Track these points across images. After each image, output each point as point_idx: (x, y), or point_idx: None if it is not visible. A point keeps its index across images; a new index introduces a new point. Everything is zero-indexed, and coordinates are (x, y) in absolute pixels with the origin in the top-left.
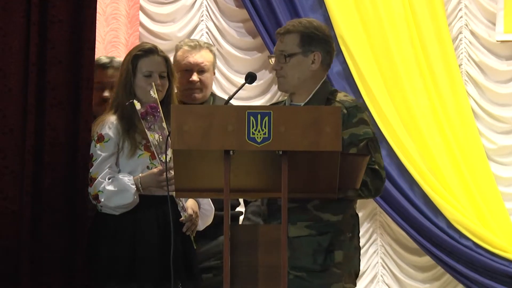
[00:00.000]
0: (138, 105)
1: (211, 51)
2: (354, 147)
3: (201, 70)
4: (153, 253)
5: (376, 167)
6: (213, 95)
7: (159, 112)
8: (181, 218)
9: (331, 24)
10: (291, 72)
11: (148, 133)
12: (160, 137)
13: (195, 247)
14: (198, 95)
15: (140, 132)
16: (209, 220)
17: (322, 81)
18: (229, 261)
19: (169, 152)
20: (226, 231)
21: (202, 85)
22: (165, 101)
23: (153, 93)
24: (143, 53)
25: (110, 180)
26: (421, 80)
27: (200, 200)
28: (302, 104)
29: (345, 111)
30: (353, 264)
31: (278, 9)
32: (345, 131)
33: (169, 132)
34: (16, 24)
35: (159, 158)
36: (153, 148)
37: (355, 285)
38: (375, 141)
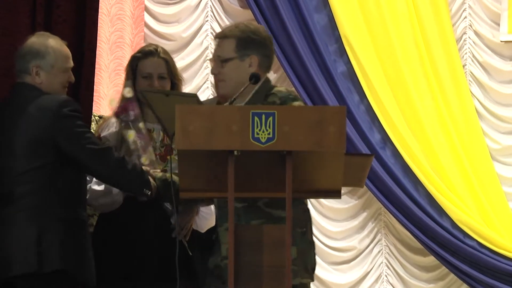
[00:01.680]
0: (113, 102)
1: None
2: None
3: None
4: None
5: None
6: None
7: (133, 111)
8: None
9: (336, 24)
10: (229, 77)
11: (124, 132)
12: (137, 137)
13: (190, 254)
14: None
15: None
16: (210, 223)
17: (261, 82)
18: (233, 262)
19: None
20: (231, 231)
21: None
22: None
23: (127, 93)
24: (142, 55)
25: (96, 181)
26: (425, 80)
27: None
28: (243, 104)
29: (278, 101)
30: (309, 259)
31: (283, 9)
32: None
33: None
34: (21, 25)
35: (137, 157)
36: (131, 147)
37: (313, 280)
38: None
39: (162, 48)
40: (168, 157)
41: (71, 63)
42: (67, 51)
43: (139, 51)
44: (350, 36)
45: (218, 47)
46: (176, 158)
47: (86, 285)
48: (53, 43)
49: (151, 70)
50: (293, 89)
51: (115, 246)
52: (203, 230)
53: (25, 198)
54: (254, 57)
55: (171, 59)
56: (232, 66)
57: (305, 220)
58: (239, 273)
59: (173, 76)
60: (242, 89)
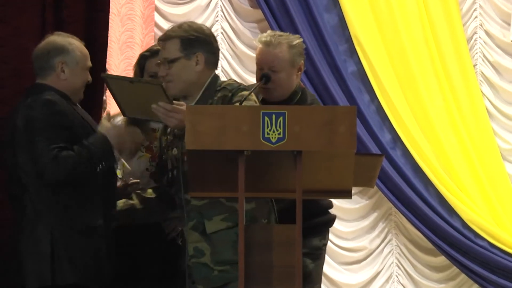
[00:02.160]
0: None
1: (290, 46)
2: None
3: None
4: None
5: None
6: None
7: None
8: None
9: (346, 24)
10: (177, 77)
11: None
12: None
13: (179, 243)
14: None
15: (145, 132)
16: None
17: (209, 79)
18: (243, 261)
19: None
20: (241, 231)
21: (275, 84)
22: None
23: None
24: (150, 54)
25: None
26: (436, 80)
27: None
28: (193, 103)
29: (229, 94)
30: None
31: (293, 9)
32: None
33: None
34: (32, 25)
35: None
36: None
37: None
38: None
39: None
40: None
41: (90, 63)
42: (86, 50)
43: (147, 50)
44: (360, 36)
45: (163, 50)
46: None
47: None
48: (75, 41)
49: (157, 69)
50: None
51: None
52: None
53: (37, 209)
54: (200, 54)
55: None
56: (179, 65)
57: (268, 211)
58: (249, 273)
59: None
60: (252, 89)
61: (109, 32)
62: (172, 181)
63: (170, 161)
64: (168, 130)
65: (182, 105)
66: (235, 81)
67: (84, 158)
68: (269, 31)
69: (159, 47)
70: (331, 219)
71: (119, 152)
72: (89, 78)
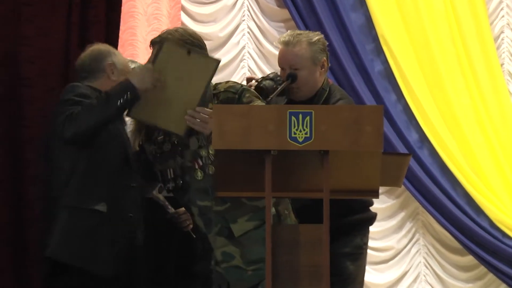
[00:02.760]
0: None
1: (309, 43)
2: None
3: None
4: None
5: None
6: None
7: None
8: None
9: (373, 23)
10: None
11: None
12: None
13: (194, 236)
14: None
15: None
16: None
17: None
18: (270, 261)
19: None
20: (268, 231)
21: (298, 83)
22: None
23: None
24: None
25: None
26: (463, 79)
27: None
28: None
29: (235, 96)
30: None
31: (319, 8)
32: None
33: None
34: (57, 24)
35: None
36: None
37: None
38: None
39: None
40: None
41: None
42: None
43: None
44: (387, 35)
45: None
46: None
47: (99, 277)
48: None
49: None
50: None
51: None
52: None
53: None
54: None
55: None
56: None
57: (287, 202)
58: (276, 273)
59: None
60: (280, 88)
61: (135, 32)
62: (177, 190)
63: (170, 170)
64: (160, 138)
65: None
66: (235, 82)
67: (97, 105)
68: (288, 31)
69: None
70: (372, 217)
71: (142, 89)
72: None
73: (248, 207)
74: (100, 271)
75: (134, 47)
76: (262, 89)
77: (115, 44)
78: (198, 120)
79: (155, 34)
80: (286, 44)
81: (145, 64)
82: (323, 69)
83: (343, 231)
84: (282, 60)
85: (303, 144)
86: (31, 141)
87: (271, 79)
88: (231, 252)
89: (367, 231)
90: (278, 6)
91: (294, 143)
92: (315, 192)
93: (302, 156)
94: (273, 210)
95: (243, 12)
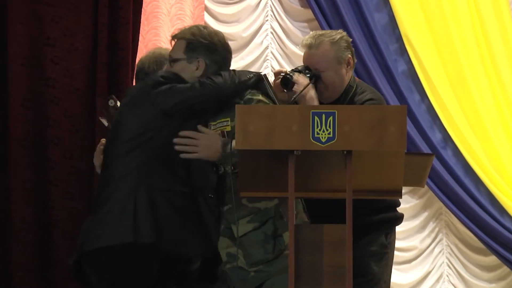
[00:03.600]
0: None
1: (332, 43)
2: None
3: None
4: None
5: None
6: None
7: None
8: None
9: (396, 23)
10: None
11: None
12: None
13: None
14: (325, 94)
15: None
16: None
17: None
18: (293, 261)
19: None
20: (291, 231)
21: (325, 84)
22: None
23: (111, 103)
24: None
25: None
26: (487, 79)
27: None
28: None
29: (241, 101)
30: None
31: (343, 8)
32: None
33: None
34: (83, 25)
35: None
36: None
37: None
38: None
39: None
40: None
41: None
42: None
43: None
44: (410, 35)
45: (170, 47)
46: None
47: (183, 258)
48: None
49: None
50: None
51: None
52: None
53: (124, 178)
54: (202, 61)
55: None
56: (180, 66)
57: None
58: (299, 273)
59: None
60: (302, 89)
61: (158, 32)
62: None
63: None
64: None
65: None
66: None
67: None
68: (310, 33)
69: None
70: (398, 217)
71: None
72: None
73: (248, 208)
74: (196, 251)
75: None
76: (288, 80)
77: (136, 44)
78: (187, 146)
79: None
80: (309, 47)
81: None
82: (349, 67)
83: (368, 230)
84: (307, 63)
85: (326, 144)
86: (55, 141)
87: (300, 71)
88: (235, 253)
89: (393, 231)
90: (302, 6)
91: (317, 143)
92: (338, 192)
93: (325, 156)
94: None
95: (267, 12)
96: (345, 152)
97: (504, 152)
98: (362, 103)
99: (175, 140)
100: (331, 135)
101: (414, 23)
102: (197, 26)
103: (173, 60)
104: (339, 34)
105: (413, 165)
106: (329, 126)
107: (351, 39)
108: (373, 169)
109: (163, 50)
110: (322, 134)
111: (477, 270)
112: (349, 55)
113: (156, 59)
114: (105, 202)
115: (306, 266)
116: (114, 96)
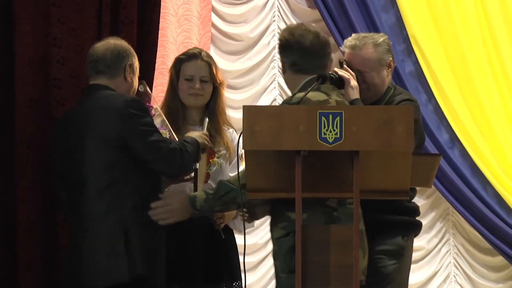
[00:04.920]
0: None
1: (375, 45)
2: None
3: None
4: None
5: None
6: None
7: (153, 109)
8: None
9: (403, 23)
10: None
11: None
12: (168, 134)
13: (223, 237)
14: (367, 95)
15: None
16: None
17: (301, 85)
18: (300, 261)
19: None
20: (298, 231)
21: (368, 84)
22: (210, 105)
23: (141, 88)
24: (186, 57)
25: None
26: (494, 79)
27: None
28: None
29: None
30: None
31: (350, 9)
32: None
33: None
34: (88, 25)
35: None
36: None
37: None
38: None
39: (206, 52)
40: (211, 160)
41: None
42: None
43: (183, 54)
44: (418, 36)
45: None
46: (217, 160)
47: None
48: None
49: (194, 73)
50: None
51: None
52: (241, 231)
53: (103, 207)
54: (283, 60)
55: (214, 63)
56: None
57: (325, 222)
58: (307, 273)
59: (214, 80)
60: (309, 89)
61: (166, 32)
62: None
63: None
64: None
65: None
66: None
67: (192, 155)
68: (353, 34)
69: (195, 51)
70: (416, 224)
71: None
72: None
73: (284, 216)
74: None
75: (165, 47)
76: (336, 79)
77: (153, 45)
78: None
79: (185, 35)
80: (352, 48)
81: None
82: (389, 69)
83: (383, 228)
84: (350, 64)
85: (333, 145)
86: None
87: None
88: (275, 253)
89: (410, 236)
90: (309, 6)
91: (324, 143)
92: (345, 193)
93: (333, 156)
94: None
95: (274, 13)
96: (352, 153)
97: (511, 152)
98: (399, 102)
99: (150, 213)
100: (338, 136)
101: (421, 24)
102: (290, 26)
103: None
104: (381, 37)
105: (420, 166)
106: (336, 127)
107: (391, 43)
108: (380, 169)
109: (123, 43)
110: (329, 135)
111: (484, 271)
112: (390, 58)
113: (117, 52)
114: (89, 235)
115: (313, 266)
116: (144, 82)
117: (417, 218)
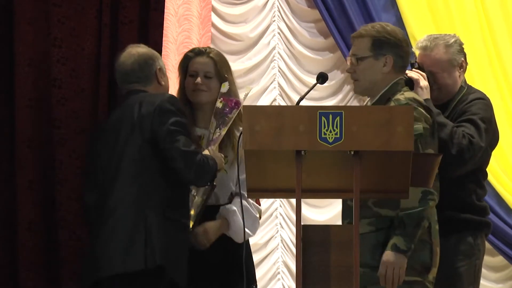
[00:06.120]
0: (225, 87)
1: (446, 46)
2: None
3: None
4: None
5: None
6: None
7: (236, 109)
8: None
9: (403, 24)
10: (363, 75)
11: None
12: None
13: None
14: (438, 96)
15: (194, 140)
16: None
17: (391, 83)
18: (301, 261)
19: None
20: (297, 231)
21: (439, 85)
22: (215, 101)
23: (224, 88)
24: (193, 54)
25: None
26: (494, 80)
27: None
28: (371, 104)
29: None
30: (417, 257)
31: (350, 9)
32: None
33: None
34: (88, 25)
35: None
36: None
37: (424, 278)
38: (426, 136)
39: (215, 50)
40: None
41: None
42: None
43: (191, 50)
44: (418, 36)
45: (354, 46)
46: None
47: (177, 285)
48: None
49: (197, 68)
50: (419, 97)
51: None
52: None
53: (131, 197)
54: (390, 57)
55: (222, 60)
56: (367, 64)
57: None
58: (307, 273)
59: (220, 77)
60: (309, 90)
61: (166, 32)
62: None
63: None
64: None
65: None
66: (408, 96)
67: (212, 169)
68: (425, 36)
69: (202, 48)
70: (486, 223)
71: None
72: None
73: (372, 211)
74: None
75: (165, 47)
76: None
77: (157, 44)
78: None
79: (185, 35)
80: (424, 49)
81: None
82: (461, 70)
83: (456, 228)
84: (421, 65)
85: (333, 145)
86: (62, 142)
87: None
88: None
89: (479, 236)
90: (309, 6)
91: (324, 143)
92: (345, 193)
93: (333, 156)
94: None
95: (274, 13)
96: (352, 153)
97: (511, 152)
98: (472, 100)
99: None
100: (338, 135)
101: (422, 24)
102: (380, 24)
103: (359, 58)
104: (452, 37)
105: (420, 166)
106: (336, 127)
107: (463, 43)
108: (380, 169)
109: (147, 50)
110: (329, 135)
111: (484, 271)
112: (462, 58)
113: (144, 61)
114: (111, 227)
115: (314, 265)
116: (226, 82)
117: (488, 214)
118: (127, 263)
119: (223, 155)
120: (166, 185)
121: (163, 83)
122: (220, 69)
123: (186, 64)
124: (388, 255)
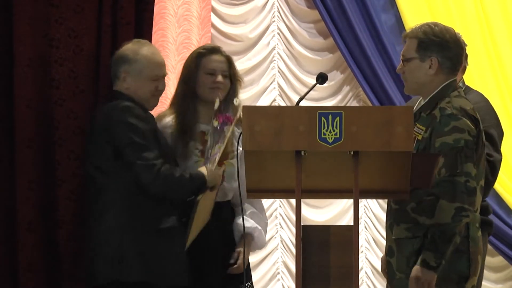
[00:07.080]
0: (217, 103)
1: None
2: (444, 156)
3: None
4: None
5: (459, 179)
6: None
7: (228, 125)
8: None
9: (403, 24)
10: (410, 76)
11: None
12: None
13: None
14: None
15: (197, 136)
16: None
17: (442, 86)
18: (301, 261)
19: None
20: (297, 231)
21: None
22: (227, 100)
23: (236, 102)
24: (207, 51)
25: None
26: (494, 81)
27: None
28: (419, 106)
29: (437, 120)
30: (453, 267)
31: (350, 9)
32: (437, 139)
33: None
34: (88, 26)
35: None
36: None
37: None
38: (467, 149)
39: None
40: (225, 162)
41: (163, 72)
42: (159, 59)
43: (203, 48)
44: None
45: (404, 47)
46: (231, 162)
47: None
48: (145, 51)
49: (216, 67)
50: (467, 104)
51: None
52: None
53: (109, 211)
54: (434, 58)
55: (231, 58)
56: (412, 66)
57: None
58: (306, 273)
59: (233, 76)
60: (308, 90)
61: (165, 33)
62: None
63: None
64: None
65: None
66: (454, 105)
67: (184, 186)
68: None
69: (214, 46)
70: (488, 222)
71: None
72: (161, 87)
73: (410, 217)
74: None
75: (165, 48)
76: None
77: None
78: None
79: (185, 35)
80: None
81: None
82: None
83: None
84: None
85: (333, 145)
86: (60, 143)
87: None
88: (393, 250)
89: (484, 234)
90: (308, 7)
91: (324, 144)
92: (345, 193)
93: (333, 156)
94: None
95: (273, 13)
96: (352, 153)
97: (510, 152)
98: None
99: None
100: (337, 136)
101: None
102: (428, 24)
103: (406, 60)
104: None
105: (420, 166)
106: (336, 127)
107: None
108: (380, 169)
109: (130, 46)
110: (329, 135)
111: (484, 271)
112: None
113: (115, 60)
114: (93, 236)
115: (313, 266)
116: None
117: (490, 214)
118: (101, 276)
119: (221, 173)
120: (134, 200)
121: (125, 85)
122: (233, 69)
123: (200, 61)
124: (417, 270)
